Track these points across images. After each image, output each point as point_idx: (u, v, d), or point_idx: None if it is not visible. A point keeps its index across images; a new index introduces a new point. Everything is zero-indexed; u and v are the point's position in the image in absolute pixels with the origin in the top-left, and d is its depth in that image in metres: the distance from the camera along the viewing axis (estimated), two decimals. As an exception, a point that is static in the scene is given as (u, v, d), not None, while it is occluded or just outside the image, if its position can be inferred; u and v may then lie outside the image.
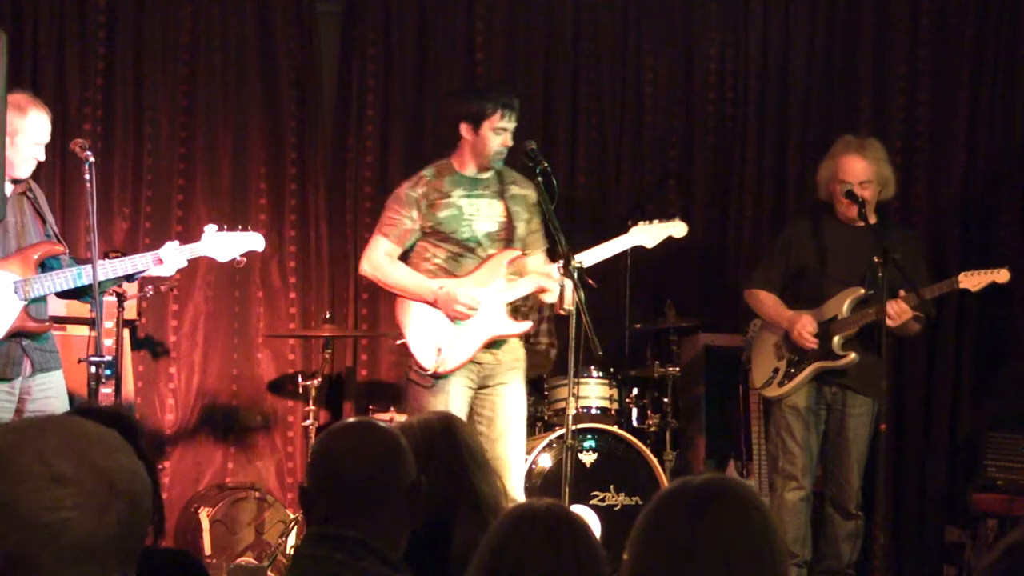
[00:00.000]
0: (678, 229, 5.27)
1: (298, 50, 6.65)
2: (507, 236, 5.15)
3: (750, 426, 6.25)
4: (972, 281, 5.37)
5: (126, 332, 5.87)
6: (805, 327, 5.48)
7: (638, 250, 5.40)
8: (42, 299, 4.75)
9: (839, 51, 6.79)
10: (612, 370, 6.16)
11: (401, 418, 5.49)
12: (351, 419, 2.77)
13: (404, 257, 5.21)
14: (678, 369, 6.28)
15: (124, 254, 5.53)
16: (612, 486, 5.84)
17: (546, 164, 5.03)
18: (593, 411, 6.02)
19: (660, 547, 1.78)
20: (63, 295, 4.85)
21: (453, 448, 2.90)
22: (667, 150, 6.86)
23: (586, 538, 2.22)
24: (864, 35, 6.75)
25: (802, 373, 5.54)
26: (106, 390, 5.19)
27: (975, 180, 6.66)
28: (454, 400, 5.03)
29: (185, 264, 4.97)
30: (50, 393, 4.76)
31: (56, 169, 6.15)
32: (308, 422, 6.07)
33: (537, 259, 5.21)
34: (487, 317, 5.07)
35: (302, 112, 6.66)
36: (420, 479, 2.42)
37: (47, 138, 4.81)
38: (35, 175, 4.88)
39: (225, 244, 5.06)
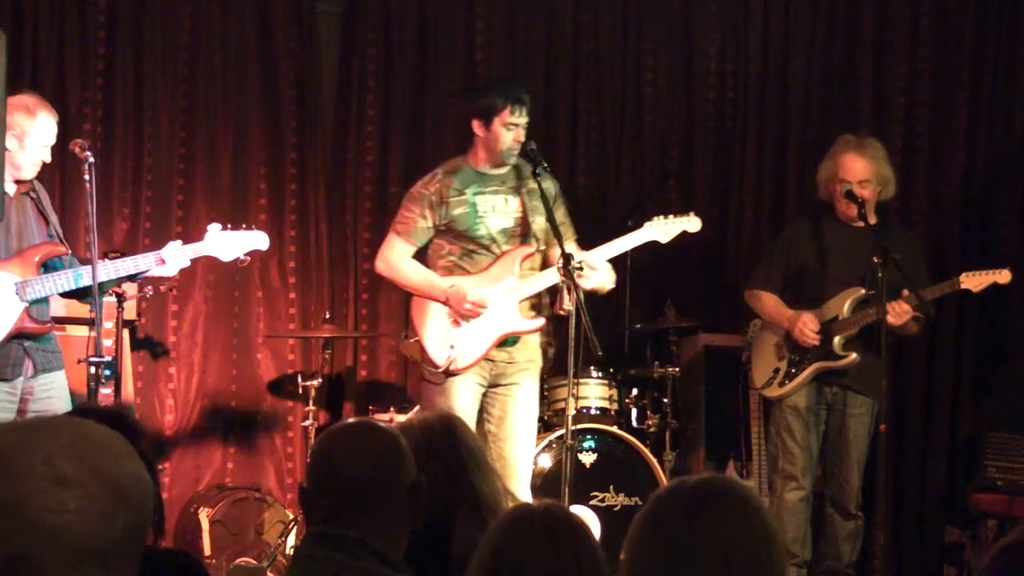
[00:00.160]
0: (692, 224, 5.25)
1: (298, 50, 6.64)
2: (523, 232, 5.13)
3: (750, 426, 6.25)
4: (974, 282, 5.37)
5: (126, 332, 5.87)
6: (807, 324, 5.48)
7: (638, 250, 5.39)
8: (44, 300, 4.75)
9: (839, 51, 6.79)
10: (612, 370, 6.15)
11: (401, 418, 5.48)
12: (351, 419, 2.78)
13: (422, 254, 5.21)
14: (678, 369, 6.28)
15: (124, 254, 5.53)
16: (612, 486, 5.84)
17: (545, 164, 5.03)
18: (593, 411, 6.02)
19: (657, 547, 1.78)
20: (67, 295, 4.85)
21: (453, 448, 2.90)
22: (667, 150, 6.86)
23: (585, 538, 2.22)
24: (864, 35, 6.75)
25: (803, 373, 5.54)
26: (106, 390, 5.20)
27: (975, 180, 6.66)
28: (465, 398, 5.03)
29: (188, 264, 4.97)
30: (52, 393, 4.76)
31: (56, 169, 6.14)
32: (308, 422, 6.07)
33: (569, 248, 5.18)
34: (499, 314, 5.05)
35: (302, 112, 6.66)
36: (420, 479, 2.42)
37: (53, 140, 4.83)
38: (36, 175, 4.89)
39: (229, 243, 5.05)
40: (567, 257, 4.79)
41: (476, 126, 5.11)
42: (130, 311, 5.94)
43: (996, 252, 6.37)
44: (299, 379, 6.24)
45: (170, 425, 6.49)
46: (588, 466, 5.82)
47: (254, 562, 5.81)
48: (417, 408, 5.90)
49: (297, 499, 3.11)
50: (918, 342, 6.20)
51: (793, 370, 5.58)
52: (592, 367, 6.01)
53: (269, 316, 6.60)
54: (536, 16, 6.77)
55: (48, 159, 4.82)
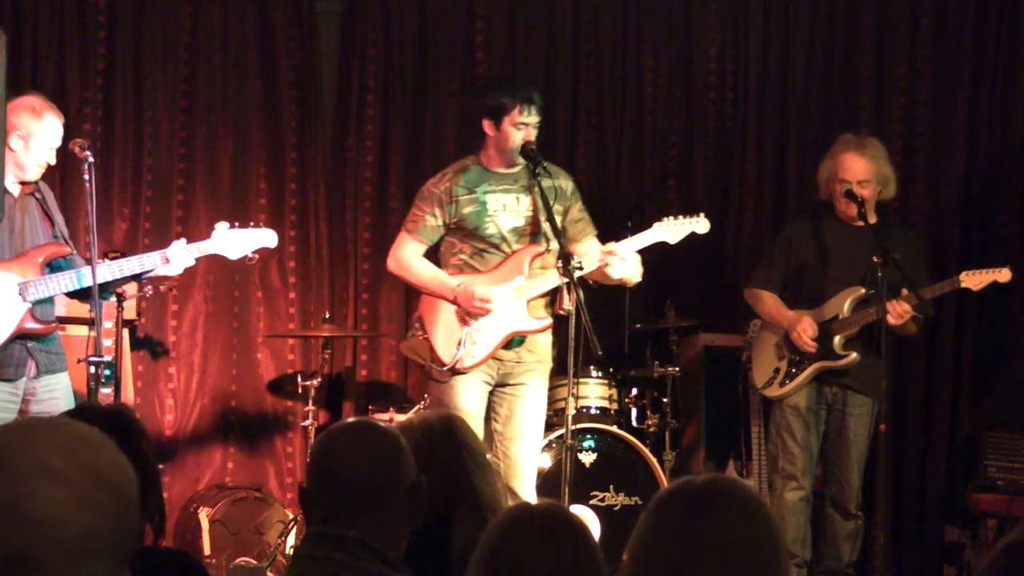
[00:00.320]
0: (701, 225, 5.24)
1: (298, 50, 6.65)
2: (535, 231, 5.13)
3: (750, 426, 6.25)
4: (974, 280, 5.37)
5: (125, 332, 5.87)
6: (805, 330, 5.48)
7: (638, 250, 5.37)
8: (48, 300, 4.75)
9: (839, 51, 6.79)
10: (612, 370, 6.16)
11: (401, 418, 5.48)
12: (351, 419, 2.77)
13: (434, 252, 5.21)
14: (678, 369, 6.28)
15: (124, 254, 5.54)
16: (612, 486, 5.84)
17: (544, 164, 5.03)
18: (592, 411, 6.02)
19: (661, 546, 1.78)
20: (72, 295, 4.85)
21: (453, 448, 2.90)
22: (667, 150, 6.86)
23: (584, 538, 2.22)
24: (864, 35, 6.75)
25: (803, 373, 5.54)
26: (106, 390, 5.20)
27: (975, 180, 6.66)
28: (471, 396, 5.02)
29: (193, 263, 4.97)
30: (55, 394, 4.77)
31: (56, 169, 6.10)
32: (308, 422, 6.07)
33: (589, 245, 5.16)
34: (507, 314, 5.05)
35: (302, 112, 6.66)
36: (420, 479, 2.42)
37: (58, 142, 4.83)
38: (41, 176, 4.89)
39: (236, 241, 5.05)
40: (567, 257, 4.79)
41: (486, 126, 5.11)
42: (130, 311, 5.94)
43: (996, 252, 6.36)
44: (299, 379, 6.24)
45: (170, 425, 6.50)
46: (588, 466, 5.83)
47: (254, 562, 5.81)
48: (418, 407, 5.91)
49: (297, 499, 3.11)
50: (918, 342, 6.20)
51: (793, 370, 5.58)
52: (592, 367, 6.02)
53: (269, 316, 6.60)
54: (536, 16, 6.77)
55: (53, 161, 4.82)
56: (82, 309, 5.09)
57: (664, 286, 6.47)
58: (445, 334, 5.08)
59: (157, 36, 6.50)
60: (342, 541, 2.31)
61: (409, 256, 5.15)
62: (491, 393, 5.10)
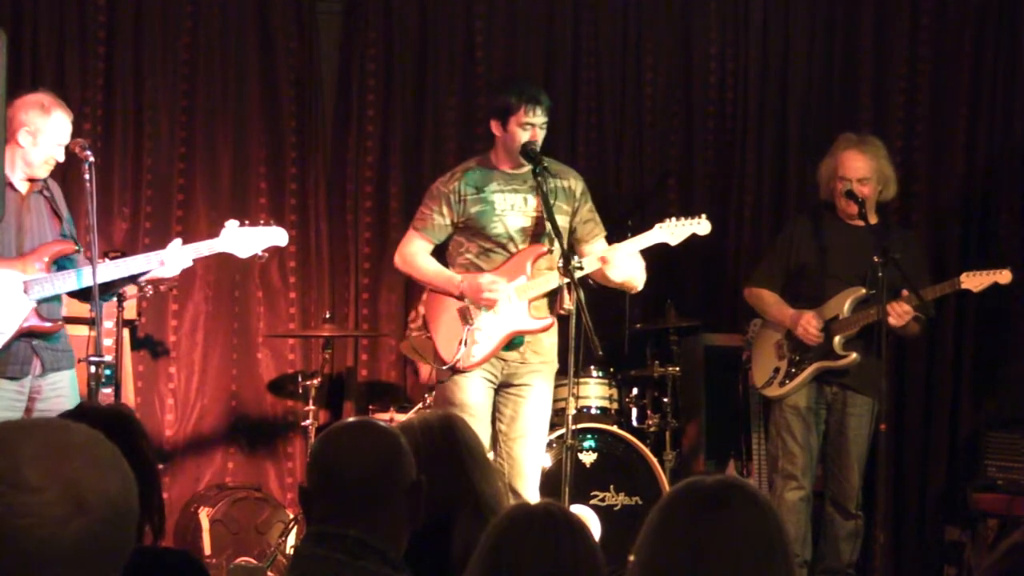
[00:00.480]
0: (702, 227, 5.24)
1: (298, 50, 6.65)
2: (542, 232, 5.13)
3: (750, 426, 6.25)
4: (974, 282, 5.37)
5: (126, 332, 5.87)
6: (810, 322, 5.48)
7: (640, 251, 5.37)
8: (55, 299, 4.76)
9: (839, 51, 6.79)
10: (612, 370, 6.16)
11: (401, 418, 5.48)
12: (351, 419, 2.77)
13: (442, 250, 5.22)
14: (678, 369, 6.28)
15: (124, 254, 5.54)
16: (612, 486, 5.84)
17: (545, 163, 5.03)
18: (593, 411, 6.02)
19: (672, 546, 1.77)
20: (74, 295, 4.85)
21: (453, 448, 2.89)
22: (667, 150, 6.86)
23: (584, 537, 2.22)
24: (864, 35, 6.74)
25: (803, 373, 5.54)
26: (106, 390, 5.20)
27: (975, 180, 6.66)
28: (475, 394, 5.02)
29: (190, 263, 4.96)
30: (61, 392, 4.77)
31: (57, 169, 6.13)
32: (308, 422, 6.06)
33: (597, 245, 5.15)
34: (508, 313, 5.05)
35: (302, 112, 6.66)
36: (420, 479, 2.42)
37: (67, 139, 4.84)
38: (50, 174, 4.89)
39: (246, 240, 5.04)
40: (567, 257, 4.79)
41: (494, 126, 5.12)
42: (130, 311, 5.94)
43: (996, 252, 6.36)
44: (299, 379, 6.24)
45: (170, 425, 6.50)
46: (588, 465, 5.83)
47: (254, 561, 5.82)
48: (418, 407, 5.91)
49: (297, 499, 3.11)
50: (918, 342, 6.19)
51: (793, 370, 5.58)
52: (592, 366, 6.02)
53: (269, 316, 6.61)
54: (536, 16, 6.77)
55: (61, 158, 4.83)
56: (82, 309, 5.09)
57: (664, 286, 6.46)
58: (447, 333, 5.09)
59: (157, 36, 6.50)
60: (342, 540, 2.31)
61: (415, 253, 5.16)
62: (496, 393, 5.10)
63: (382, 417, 5.83)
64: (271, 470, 6.58)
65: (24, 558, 1.40)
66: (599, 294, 5.30)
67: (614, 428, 5.92)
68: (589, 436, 5.86)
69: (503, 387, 5.10)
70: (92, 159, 4.73)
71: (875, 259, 5.19)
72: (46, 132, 4.73)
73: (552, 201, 5.04)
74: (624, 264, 5.02)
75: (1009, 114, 6.62)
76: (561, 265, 4.82)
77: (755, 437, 6.21)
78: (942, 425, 6.55)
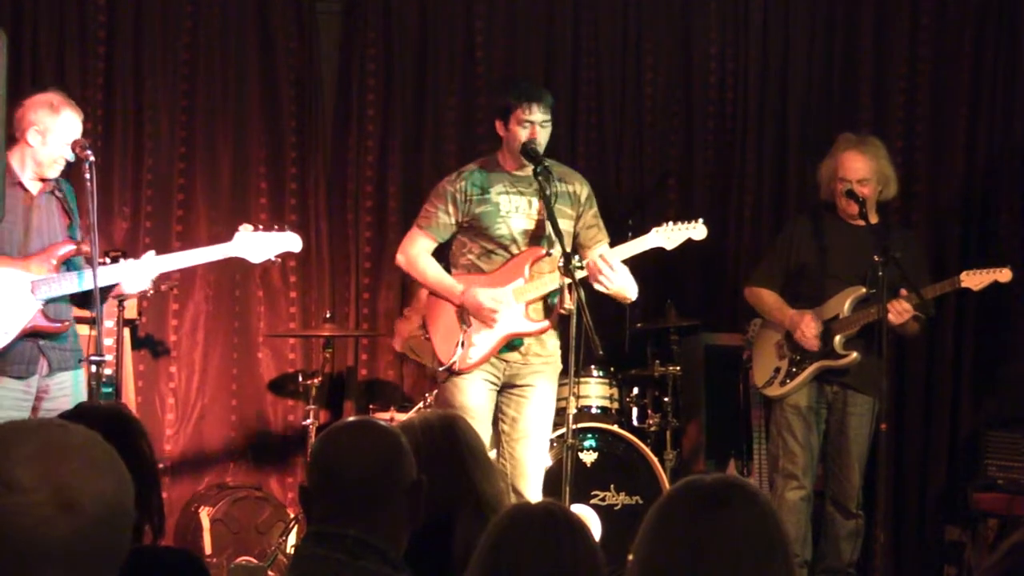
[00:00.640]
0: (699, 232, 5.23)
1: (298, 50, 6.65)
2: (543, 234, 5.13)
3: (750, 425, 6.25)
4: (974, 280, 5.37)
5: (126, 331, 5.87)
6: (808, 327, 5.48)
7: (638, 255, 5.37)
8: (63, 299, 4.76)
9: (839, 51, 6.79)
10: (612, 369, 6.16)
11: (401, 417, 5.48)
12: (351, 418, 2.77)
13: (446, 249, 5.22)
14: (678, 368, 6.28)
15: (124, 253, 5.54)
16: (612, 485, 5.84)
17: (546, 164, 5.03)
18: (593, 410, 6.03)
19: (671, 545, 1.77)
20: (76, 299, 4.85)
21: (454, 447, 2.89)
22: (667, 150, 6.86)
23: (584, 537, 2.22)
24: (864, 35, 6.75)
25: (804, 372, 5.54)
26: (106, 389, 5.21)
27: (975, 180, 6.66)
28: (475, 396, 5.02)
29: (149, 286, 4.92)
30: (68, 392, 4.78)
31: (58, 169, 6.16)
32: (308, 421, 6.07)
33: (599, 252, 5.13)
34: (505, 316, 5.05)
35: (302, 112, 6.67)
36: (421, 478, 2.42)
37: (78, 138, 4.83)
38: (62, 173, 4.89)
39: (259, 245, 5.04)
40: (567, 256, 4.79)
41: (498, 127, 5.12)
42: (131, 310, 5.94)
43: (996, 252, 6.36)
44: (300, 378, 6.24)
45: (170, 424, 6.50)
46: (589, 465, 5.83)
47: (255, 561, 5.82)
48: (418, 407, 5.92)
49: (297, 498, 3.11)
50: (918, 342, 6.20)
51: (794, 369, 5.58)
52: (593, 366, 6.02)
53: (270, 315, 6.61)
54: (536, 16, 6.77)
55: (71, 157, 4.83)
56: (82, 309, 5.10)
57: (665, 286, 6.47)
58: (445, 335, 5.09)
59: (157, 36, 6.50)
60: (343, 540, 2.31)
61: (418, 253, 5.15)
62: (499, 394, 5.10)
63: (382, 417, 5.83)
64: (271, 469, 6.58)
65: (14, 557, 1.40)
66: (599, 294, 5.29)
67: (615, 428, 5.92)
68: (590, 435, 5.86)
69: (506, 388, 5.10)
70: (92, 159, 4.74)
71: (875, 259, 5.19)
72: (55, 131, 4.75)
73: (553, 202, 5.03)
74: (616, 277, 5.00)
75: (1009, 114, 6.62)
76: (562, 265, 4.82)
77: (756, 437, 6.21)
78: (942, 425, 6.55)
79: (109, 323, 5.49)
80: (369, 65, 6.70)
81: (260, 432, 6.59)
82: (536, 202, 5.08)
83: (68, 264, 4.78)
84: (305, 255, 6.64)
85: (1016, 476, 6.00)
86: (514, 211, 5.09)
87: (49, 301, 4.71)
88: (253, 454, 6.58)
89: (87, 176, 4.69)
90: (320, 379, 6.19)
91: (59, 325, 4.73)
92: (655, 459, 5.86)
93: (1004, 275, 5.36)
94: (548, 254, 5.08)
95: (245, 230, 5.02)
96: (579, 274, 4.79)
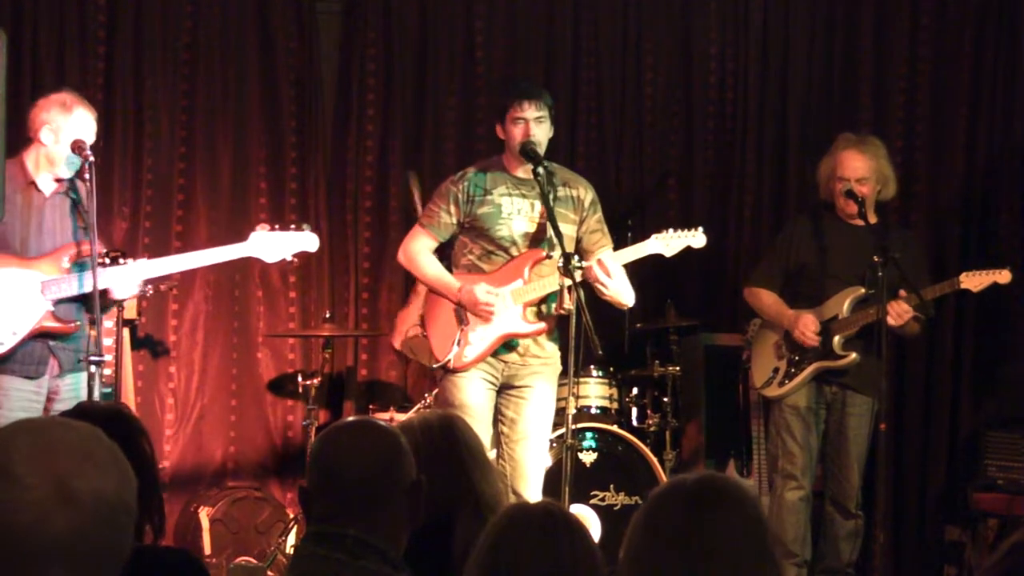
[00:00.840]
0: (697, 240, 5.23)
1: (298, 50, 6.65)
2: (543, 237, 5.12)
3: (750, 426, 6.25)
4: (974, 281, 5.37)
5: (126, 331, 5.86)
6: (807, 326, 5.48)
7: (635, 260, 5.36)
8: (72, 299, 4.76)
9: (839, 51, 6.79)
10: (612, 369, 6.16)
11: (401, 417, 5.48)
12: (351, 418, 2.77)
13: (448, 248, 5.22)
14: (678, 368, 6.28)
15: (124, 253, 5.53)
16: (612, 485, 5.84)
17: (545, 164, 5.03)
18: (593, 410, 6.03)
19: (656, 544, 1.79)
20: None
21: (453, 447, 2.89)
22: (667, 150, 6.86)
23: (582, 536, 2.22)
24: (864, 35, 6.75)
25: (803, 373, 5.54)
26: (106, 389, 5.21)
27: (975, 180, 6.66)
28: (474, 396, 5.02)
29: (137, 290, 4.94)
30: (79, 393, 4.78)
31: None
32: (308, 421, 6.07)
33: (604, 254, 5.12)
34: (502, 316, 5.06)
35: (302, 112, 6.66)
36: (420, 478, 2.42)
37: (92, 138, 4.85)
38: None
39: (274, 244, 5.05)
40: (567, 257, 4.79)
41: (498, 131, 5.13)
42: (130, 310, 5.93)
43: (996, 252, 6.37)
44: (299, 378, 6.24)
45: (170, 424, 6.50)
46: (588, 465, 5.83)
47: (254, 561, 5.82)
48: (418, 406, 5.92)
49: (297, 498, 3.11)
50: (918, 342, 6.20)
51: (793, 370, 5.58)
52: (593, 366, 6.02)
53: (269, 315, 6.61)
54: (536, 16, 6.77)
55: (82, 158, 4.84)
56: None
57: (664, 286, 6.47)
58: (441, 333, 5.10)
59: (157, 36, 6.50)
60: (342, 540, 2.31)
61: (419, 251, 5.16)
62: (498, 395, 5.10)
63: (382, 417, 5.83)
64: (271, 469, 6.58)
65: (15, 555, 1.40)
66: (616, 306, 5.28)
67: (614, 428, 5.92)
68: (589, 435, 5.86)
69: (504, 389, 5.10)
70: (92, 159, 4.74)
71: (875, 259, 5.19)
72: (67, 129, 4.77)
73: (560, 210, 5.02)
74: (618, 274, 5.00)
75: (1009, 114, 6.62)
76: (561, 265, 4.82)
77: (755, 437, 6.21)
78: (942, 425, 6.54)
79: (108, 323, 5.49)
80: (369, 65, 6.70)
81: (260, 432, 6.59)
82: (538, 205, 5.08)
83: (81, 265, 4.78)
84: (305, 255, 6.65)
85: (1016, 476, 6.00)
86: (516, 213, 5.09)
87: (59, 302, 4.72)
88: (253, 454, 6.58)
89: (87, 176, 4.70)
90: (320, 379, 6.19)
91: (68, 326, 4.74)
92: (655, 459, 5.86)
93: (1003, 276, 5.36)
94: (548, 256, 5.08)
95: (262, 229, 5.03)
96: (579, 274, 4.78)
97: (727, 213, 6.81)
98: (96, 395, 4.76)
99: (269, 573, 5.67)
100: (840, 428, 5.54)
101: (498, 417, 5.10)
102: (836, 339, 5.47)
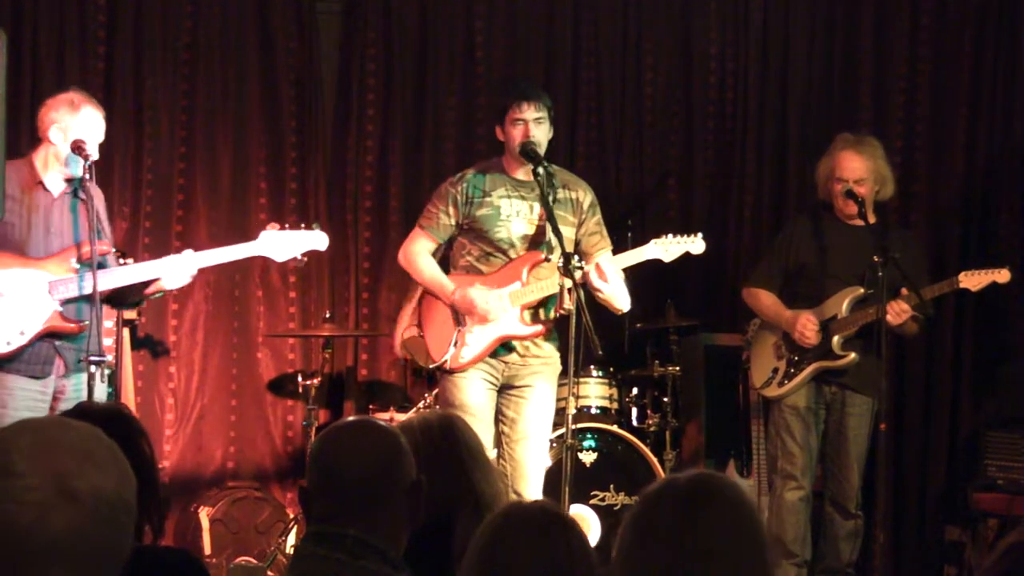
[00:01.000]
0: (696, 246, 5.24)
1: (298, 50, 6.65)
2: (542, 240, 5.12)
3: (750, 426, 6.25)
4: (972, 281, 5.37)
5: (126, 332, 5.87)
6: (807, 325, 5.48)
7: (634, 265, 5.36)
8: (79, 300, 4.77)
9: (839, 51, 6.79)
10: (612, 369, 6.16)
11: (401, 417, 5.48)
12: (351, 418, 2.77)
13: (447, 250, 5.22)
14: (678, 369, 6.28)
15: (124, 254, 5.54)
16: (612, 485, 5.84)
17: (545, 164, 5.03)
18: (593, 410, 6.03)
19: (648, 544, 1.80)
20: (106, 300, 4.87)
21: (453, 447, 2.89)
22: (667, 150, 6.86)
23: (577, 536, 2.22)
24: (864, 35, 6.75)
25: (802, 373, 5.54)
26: (108, 389, 5.21)
27: (975, 180, 6.66)
28: (474, 396, 5.03)
29: (189, 280, 4.97)
30: (84, 394, 4.78)
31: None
32: (308, 422, 6.07)
33: (602, 257, 5.13)
34: (499, 318, 5.06)
35: (302, 112, 6.67)
36: (420, 478, 2.42)
37: (100, 136, 4.86)
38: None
39: (284, 243, 5.05)
40: (567, 257, 4.79)
41: (497, 133, 5.14)
42: (130, 310, 5.93)
43: (996, 252, 6.37)
44: (299, 378, 6.24)
45: (170, 425, 6.50)
46: (588, 465, 5.83)
47: (254, 561, 5.82)
48: (418, 406, 5.92)
49: (297, 498, 3.11)
50: (918, 342, 6.20)
51: (792, 370, 5.58)
52: (593, 366, 6.02)
53: (269, 315, 6.61)
54: (536, 16, 6.77)
55: (95, 155, 4.84)
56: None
57: (664, 286, 6.47)
58: (438, 333, 5.11)
59: (157, 36, 6.50)
60: (342, 540, 2.31)
61: (417, 253, 5.17)
62: (499, 395, 5.11)
63: (382, 417, 5.83)
64: (271, 469, 6.58)
65: (15, 554, 1.41)
66: (610, 309, 5.28)
67: (614, 428, 5.92)
68: (589, 436, 5.86)
69: (505, 389, 5.10)
70: (93, 158, 4.75)
71: (875, 259, 5.19)
72: (75, 128, 4.77)
73: (559, 212, 5.02)
74: (615, 279, 5.00)
75: (1009, 114, 6.62)
76: (561, 265, 4.82)
77: (755, 437, 6.21)
78: (942, 425, 6.55)
79: (108, 323, 5.50)
80: (369, 65, 6.70)
81: (260, 432, 6.59)
82: (537, 207, 5.08)
83: (87, 265, 4.78)
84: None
85: (1016, 476, 6.00)
86: (515, 215, 5.09)
87: (67, 302, 4.73)
88: (253, 454, 6.58)
89: (87, 176, 4.70)
90: (320, 379, 6.19)
91: (75, 325, 4.74)
92: (655, 459, 5.86)
93: (1002, 276, 5.36)
94: (547, 259, 5.09)
95: (272, 228, 5.04)
96: (579, 275, 4.78)
97: (727, 213, 6.81)
98: (102, 395, 4.77)
99: (269, 573, 5.67)
100: (840, 428, 5.54)
101: (499, 417, 5.10)
102: (835, 339, 5.47)
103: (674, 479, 1.87)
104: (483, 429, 4.84)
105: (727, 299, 6.66)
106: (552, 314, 5.10)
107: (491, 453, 4.68)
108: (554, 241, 5.01)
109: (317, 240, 5.12)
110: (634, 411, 6.29)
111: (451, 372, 5.06)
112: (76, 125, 4.77)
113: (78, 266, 4.75)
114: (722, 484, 1.85)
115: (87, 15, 6.44)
